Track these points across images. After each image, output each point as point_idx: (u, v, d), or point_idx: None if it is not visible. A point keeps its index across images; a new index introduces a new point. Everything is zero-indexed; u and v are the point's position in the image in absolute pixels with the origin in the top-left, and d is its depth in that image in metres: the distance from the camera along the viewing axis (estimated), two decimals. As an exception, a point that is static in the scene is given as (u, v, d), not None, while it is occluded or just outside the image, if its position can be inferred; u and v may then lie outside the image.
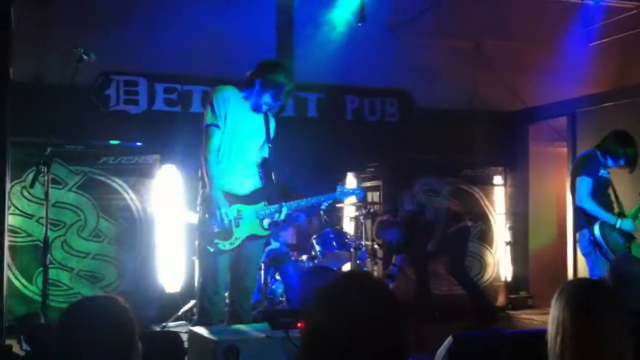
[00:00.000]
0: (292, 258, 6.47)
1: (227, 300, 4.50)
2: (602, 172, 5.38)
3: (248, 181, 4.36)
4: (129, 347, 1.96)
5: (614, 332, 1.98)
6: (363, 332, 1.73)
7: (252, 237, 4.33)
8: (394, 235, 6.84)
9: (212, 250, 4.19)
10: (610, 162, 5.39)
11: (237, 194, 4.28)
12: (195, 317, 4.60)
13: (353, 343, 1.72)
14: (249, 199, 4.30)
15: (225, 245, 4.23)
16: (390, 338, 1.76)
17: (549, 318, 2.12)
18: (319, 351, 1.75)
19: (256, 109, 4.38)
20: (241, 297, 4.43)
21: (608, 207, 5.33)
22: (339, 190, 4.76)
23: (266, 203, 4.34)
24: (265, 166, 4.42)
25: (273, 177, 4.42)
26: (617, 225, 5.22)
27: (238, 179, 4.31)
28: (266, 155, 4.45)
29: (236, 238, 4.25)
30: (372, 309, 1.76)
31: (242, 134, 4.33)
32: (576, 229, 5.54)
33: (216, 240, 4.19)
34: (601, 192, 5.37)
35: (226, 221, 4.12)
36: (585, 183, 5.29)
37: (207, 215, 4.17)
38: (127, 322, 1.98)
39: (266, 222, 4.32)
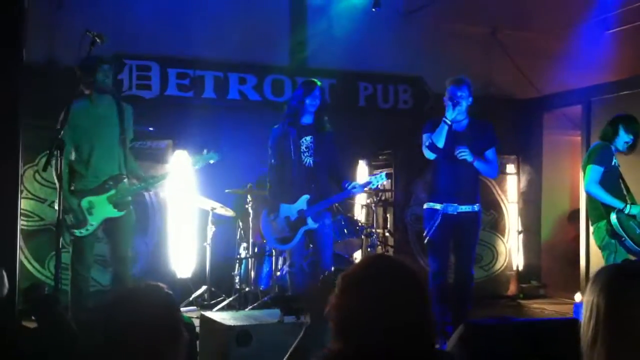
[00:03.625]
0: None
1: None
2: (614, 161, 5.37)
3: (102, 175, 4.93)
4: (177, 335, 1.97)
5: None
6: (392, 315, 1.72)
7: (107, 220, 4.93)
8: None
9: (72, 237, 4.90)
10: (623, 144, 5.43)
11: (89, 188, 4.90)
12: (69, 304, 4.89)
13: (382, 325, 1.71)
14: (100, 189, 4.90)
15: (82, 232, 4.86)
16: (419, 321, 1.75)
17: (583, 302, 2.08)
18: (349, 335, 1.74)
19: (102, 90, 4.92)
20: (119, 266, 5.02)
21: (619, 197, 5.31)
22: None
23: (115, 190, 4.91)
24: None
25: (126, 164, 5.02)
26: (626, 211, 5.23)
27: (92, 176, 4.91)
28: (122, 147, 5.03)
29: (90, 225, 4.88)
30: (399, 290, 1.76)
31: (95, 140, 4.91)
32: (592, 221, 5.49)
33: (72, 230, 4.82)
34: (613, 182, 5.37)
35: (78, 217, 4.80)
36: (594, 171, 5.32)
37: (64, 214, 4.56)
38: (175, 310, 2.01)
39: (122, 204, 4.93)
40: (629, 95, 7.08)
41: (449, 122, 5.15)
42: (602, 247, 5.39)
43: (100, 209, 4.90)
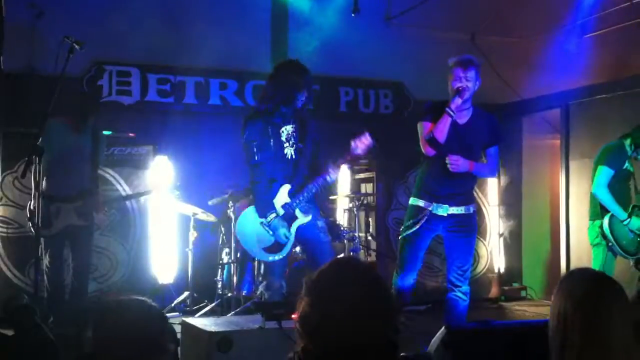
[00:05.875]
0: None
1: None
2: (626, 164, 5.31)
3: (70, 186, 5.16)
4: (163, 349, 1.99)
5: (618, 325, 1.95)
6: (356, 320, 1.72)
7: (70, 226, 5.14)
8: None
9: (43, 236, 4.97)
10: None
11: (59, 195, 5.12)
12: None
13: (347, 331, 1.72)
14: (67, 197, 5.13)
15: (45, 233, 4.94)
16: (382, 324, 1.76)
17: (550, 309, 2.09)
18: (314, 342, 1.75)
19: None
20: (77, 278, 5.25)
21: (625, 201, 5.28)
22: None
23: (82, 201, 5.16)
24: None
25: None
26: (625, 223, 5.19)
27: (63, 186, 5.15)
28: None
29: (54, 227, 5.09)
30: (363, 295, 1.76)
31: (67, 158, 5.15)
32: (590, 217, 5.47)
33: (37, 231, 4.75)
34: (621, 184, 5.32)
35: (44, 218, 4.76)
36: (604, 173, 5.24)
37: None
38: (161, 323, 2.02)
39: (86, 215, 5.21)
40: (606, 99, 7.16)
41: (454, 114, 4.37)
42: (593, 245, 5.40)
43: (65, 215, 5.13)
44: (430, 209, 4.50)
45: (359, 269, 1.85)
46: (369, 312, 1.74)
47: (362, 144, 4.49)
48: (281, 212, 4.52)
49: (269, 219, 4.49)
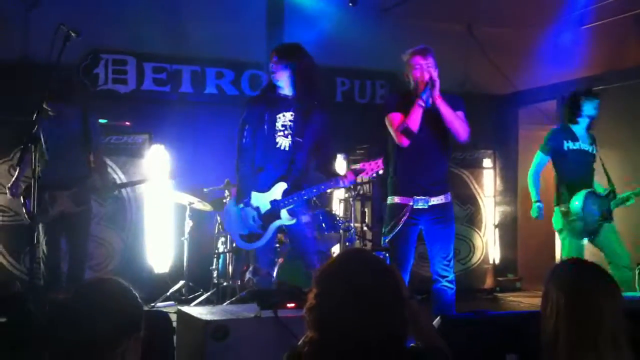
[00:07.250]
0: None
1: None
2: (568, 144, 5.33)
3: (62, 173, 5.00)
4: (135, 329, 1.94)
5: (609, 314, 1.96)
6: (363, 312, 1.73)
7: (66, 213, 4.99)
8: None
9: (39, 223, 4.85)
10: (591, 112, 5.33)
11: (52, 183, 4.90)
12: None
13: (353, 322, 1.73)
14: (62, 185, 4.97)
15: (41, 219, 4.86)
16: (390, 315, 1.77)
17: (542, 298, 2.11)
18: (321, 332, 1.76)
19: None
20: (73, 265, 5.09)
21: (588, 183, 5.30)
22: None
23: (77, 190, 5.00)
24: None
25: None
26: (535, 206, 5.43)
27: (55, 174, 4.96)
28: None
29: (51, 214, 4.95)
30: (370, 286, 1.77)
31: (58, 145, 5.02)
32: (554, 204, 5.51)
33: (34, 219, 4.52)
34: (578, 166, 5.34)
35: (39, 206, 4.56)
36: (537, 156, 5.49)
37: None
38: (135, 303, 1.97)
39: (82, 201, 5.07)
40: (602, 90, 7.16)
41: (425, 105, 4.34)
42: (559, 231, 5.47)
43: (61, 202, 5.01)
44: (410, 204, 4.41)
45: (367, 260, 1.86)
46: (375, 304, 1.76)
47: (371, 168, 4.34)
48: (268, 206, 4.35)
49: (239, 206, 4.36)
